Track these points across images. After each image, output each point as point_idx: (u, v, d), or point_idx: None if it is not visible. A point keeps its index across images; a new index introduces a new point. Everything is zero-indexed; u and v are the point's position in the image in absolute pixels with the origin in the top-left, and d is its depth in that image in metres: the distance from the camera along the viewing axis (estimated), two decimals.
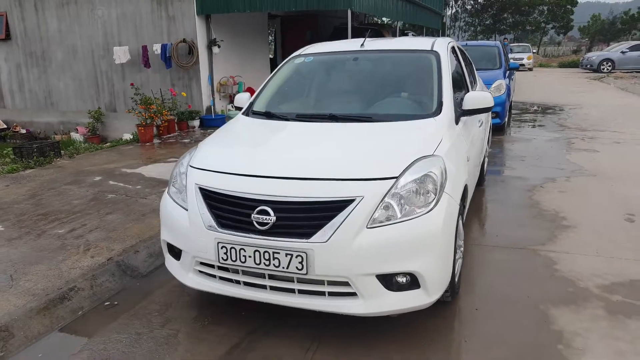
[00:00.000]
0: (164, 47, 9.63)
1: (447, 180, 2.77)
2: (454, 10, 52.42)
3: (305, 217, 2.60)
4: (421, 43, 4.15)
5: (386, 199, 2.58)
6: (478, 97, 3.56)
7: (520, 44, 36.28)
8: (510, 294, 3.27)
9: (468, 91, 4.23)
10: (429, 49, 3.95)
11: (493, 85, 8.24)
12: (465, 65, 4.58)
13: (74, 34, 10.63)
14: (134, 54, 10.03)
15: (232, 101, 10.95)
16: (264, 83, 4.15)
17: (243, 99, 4.10)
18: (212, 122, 9.85)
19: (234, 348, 2.80)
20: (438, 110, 3.38)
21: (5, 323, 2.94)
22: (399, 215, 2.58)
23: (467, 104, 3.52)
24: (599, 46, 45.80)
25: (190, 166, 3.08)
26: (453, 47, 4.34)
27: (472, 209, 4.79)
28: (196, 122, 9.73)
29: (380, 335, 2.84)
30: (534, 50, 38.27)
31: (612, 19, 56.38)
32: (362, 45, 4.15)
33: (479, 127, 4.33)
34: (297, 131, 3.38)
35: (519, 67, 12.00)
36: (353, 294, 2.60)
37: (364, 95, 3.82)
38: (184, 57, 9.78)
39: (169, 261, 3.16)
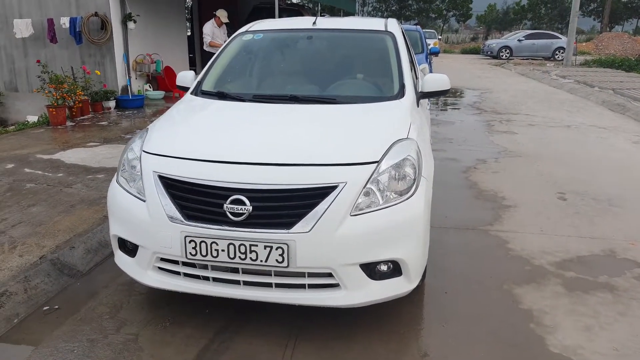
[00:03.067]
0: (73, 21, 8.75)
1: (422, 163, 2.72)
2: None
3: (286, 206, 2.42)
4: (374, 23, 4.08)
5: (368, 185, 2.48)
6: (436, 79, 3.53)
7: (427, 30, 37.70)
8: (474, 275, 3.34)
9: (416, 74, 4.23)
10: (384, 29, 3.88)
11: (419, 69, 8.45)
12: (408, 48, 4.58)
13: None
14: (37, 28, 9.02)
15: (149, 80, 10.28)
16: (211, 60, 3.85)
17: (187, 77, 3.77)
18: (130, 102, 9.16)
19: (205, 350, 2.58)
20: (401, 93, 3.32)
21: None
22: (380, 201, 2.49)
23: (427, 86, 3.49)
24: (494, 34, 48.95)
25: (144, 151, 2.76)
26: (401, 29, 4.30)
27: None
28: (112, 103, 8.98)
29: (359, 327, 2.76)
30: (439, 37, 40.01)
31: (505, 9, 60.43)
32: (314, 23, 3.98)
33: (428, 109, 4.36)
34: (259, 113, 3.16)
35: (438, 53, 12.40)
36: (335, 285, 2.48)
37: (321, 76, 3.67)
38: (96, 32, 8.97)
39: (120, 258, 2.83)
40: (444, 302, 3.03)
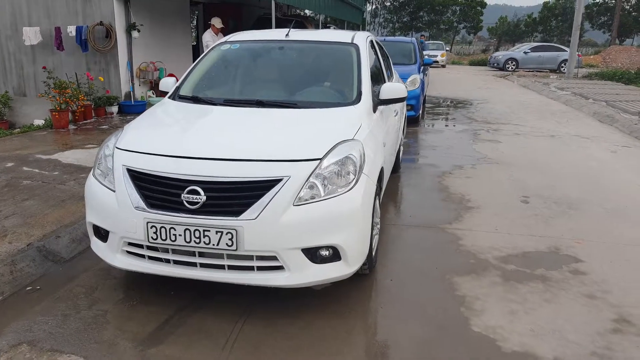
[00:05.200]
0: (79, 30, 9.21)
1: (365, 162, 3.03)
2: (373, 7, 53.87)
3: (235, 196, 2.75)
4: (342, 36, 4.40)
5: (311, 179, 2.79)
6: (393, 87, 3.87)
7: (434, 41, 38.17)
8: (421, 267, 3.63)
9: (385, 83, 4.55)
10: (350, 41, 4.21)
11: (409, 80, 8.79)
12: (383, 59, 4.90)
13: None
14: (45, 36, 9.49)
15: (152, 87, 10.68)
16: (190, 68, 4.21)
17: (169, 83, 4.14)
18: (132, 108, 9.58)
19: (164, 324, 2.90)
20: (358, 99, 3.64)
21: None
22: (322, 193, 2.80)
23: (384, 94, 3.82)
24: (505, 46, 49.09)
25: (117, 148, 3.11)
26: (372, 41, 4.63)
27: (388, 193, 5.15)
28: (114, 108, 9.41)
29: (305, 307, 3.06)
30: (447, 48, 40.39)
31: (516, 21, 60.61)
32: (287, 35, 4.32)
33: (395, 116, 4.66)
34: (224, 115, 3.50)
35: (433, 64, 12.71)
36: (280, 268, 2.79)
37: (288, 83, 4.00)
38: (101, 40, 9.41)
39: (95, 244, 3.17)
40: (388, 288, 3.33)
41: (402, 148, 6.17)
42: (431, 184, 5.70)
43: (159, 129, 3.42)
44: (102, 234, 3.08)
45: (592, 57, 33.47)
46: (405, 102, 5.96)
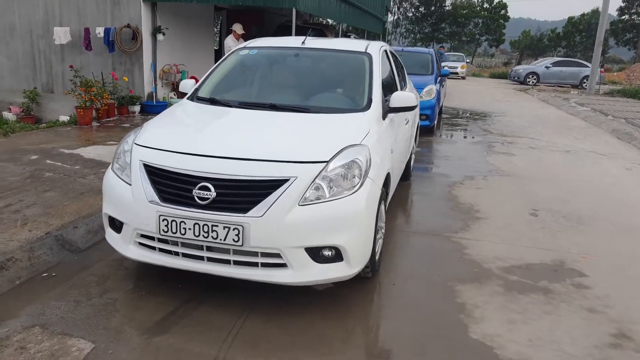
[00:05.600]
0: (107, 31, 9.49)
1: (371, 167, 3.11)
2: (396, 17, 54.04)
3: (243, 194, 2.86)
4: (357, 45, 4.51)
5: (317, 180, 2.89)
6: (403, 96, 3.96)
7: (455, 53, 38.13)
8: (424, 273, 3.69)
9: (397, 88, 4.65)
10: (363, 50, 4.32)
11: (424, 90, 8.86)
12: (396, 68, 5.00)
13: (12, 11, 10.20)
14: (75, 36, 9.79)
15: (174, 89, 10.92)
16: (209, 71, 4.36)
17: (188, 85, 4.29)
18: (154, 108, 9.81)
19: (170, 315, 3.01)
20: (368, 106, 3.74)
21: None
22: (327, 195, 2.89)
23: (394, 102, 3.91)
24: (527, 60, 48.76)
25: (135, 144, 3.25)
26: (385, 51, 4.73)
27: (398, 200, 5.22)
28: (137, 108, 9.67)
29: (307, 306, 3.14)
30: (468, 60, 40.30)
31: (539, 36, 60.16)
32: (303, 42, 4.44)
33: (406, 125, 4.74)
34: (238, 117, 3.63)
35: (449, 74, 12.73)
36: (283, 265, 2.89)
37: (302, 89, 4.12)
38: (127, 42, 9.68)
39: (110, 234, 3.31)
40: (390, 292, 3.40)
41: (413, 156, 6.23)
42: (441, 193, 5.75)
43: (176, 128, 3.56)
44: (117, 225, 3.22)
45: (615, 73, 33.08)
46: (417, 111, 6.04)
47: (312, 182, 2.87)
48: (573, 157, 8.21)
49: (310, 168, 2.91)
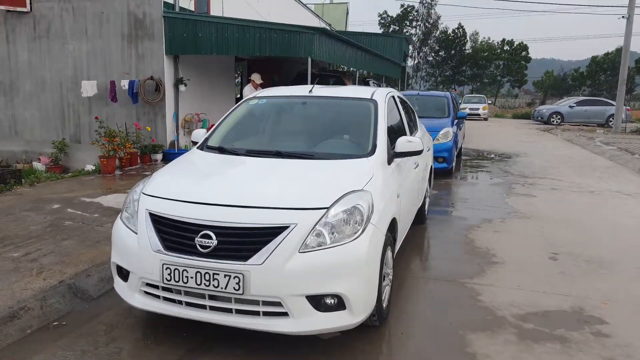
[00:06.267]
0: (131, 83, 9.92)
1: (373, 212, 3.10)
2: (416, 61, 54.89)
3: (244, 242, 2.88)
4: (363, 92, 4.59)
5: (317, 227, 2.89)
6: (408, 141, 3.97)
7: (476, 95, 38.30)
8: (435, 321, 3.59)
9: (405, 133, 4.67)
10: (369, 97, 4.39)
11: (440, 132, 8.88)
12: (405, 113, 5.04)
13: (44, 67, 10.80)
14: (101, 88, 10.26)
15: None
16: (220, 120, 4.48)
17: (199, 134, 4.41)
18: (175, 156, 9.93)
19: None
20: (372, 151, 3.76)
21: None
22: (328, 241, 2.89)
23: (399, 147, 3.92)
24: (551, 100, 48.49)
25: (143, 193, 3.33)
26: (392, 97, 4.79)
27: (412, 245, 5.16)
28: (159, 156, 9.94)
29: (311, 356, 3.08)
30: (489, 102, 40.36)
31: (562, 76, 60.00)
32: (310, 91, 4.55)
33: (415, 168, 4.73)
34: (243, 164, 3.70)
35: (467, 116, 12.73)
36: (284, 314, 2.86)
37: (309, 136, 4.19)
38: (150, 93, 10.07)
39: (117, 283, 3.35)
40: (398, 341, 3.31)
41: (428, 200, 6.18)
42: (457, 237, 5.65)
43: (182, 177, 3.64)
44: (124, 274, 3.26)
45: None
46: (431, 155, 6.03)
47: (313, 228, 2.88)
48: (597, 197, 8.01)
49: (310, 215, 2.92)
